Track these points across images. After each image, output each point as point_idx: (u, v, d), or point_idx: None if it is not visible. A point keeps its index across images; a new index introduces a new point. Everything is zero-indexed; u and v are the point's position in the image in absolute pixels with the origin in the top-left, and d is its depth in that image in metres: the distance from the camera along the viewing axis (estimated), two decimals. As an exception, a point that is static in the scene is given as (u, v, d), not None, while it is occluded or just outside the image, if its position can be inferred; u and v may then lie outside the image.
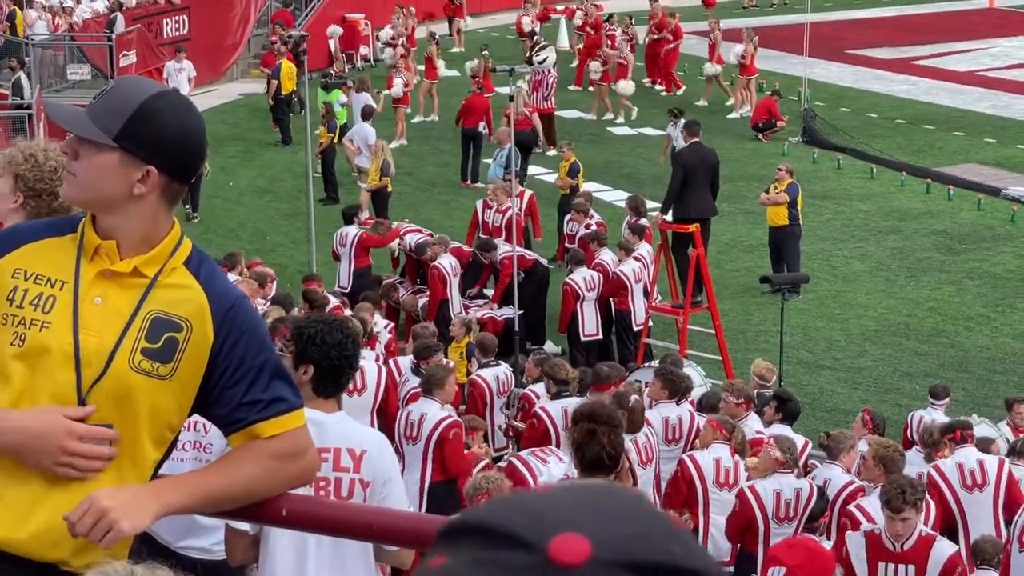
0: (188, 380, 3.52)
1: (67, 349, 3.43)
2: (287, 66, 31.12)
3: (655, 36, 35.86)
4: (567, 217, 21.71)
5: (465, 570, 1.52)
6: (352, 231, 20.45)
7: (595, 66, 33.77)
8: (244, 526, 5.77)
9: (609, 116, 33.35)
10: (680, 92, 35.04)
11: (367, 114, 26.83)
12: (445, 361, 14.11)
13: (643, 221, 20.29)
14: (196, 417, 3.69)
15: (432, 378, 12.74)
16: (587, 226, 20.66)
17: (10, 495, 3.43)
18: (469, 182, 27.77)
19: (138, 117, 3.46)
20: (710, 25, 34.80)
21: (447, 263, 19.37)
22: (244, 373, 3.53)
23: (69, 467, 3.37)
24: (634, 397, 12.11)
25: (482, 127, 28.17)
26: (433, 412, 12.53)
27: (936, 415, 15.00)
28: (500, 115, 27.72)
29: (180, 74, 30.48)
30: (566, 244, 21.16)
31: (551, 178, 25.59)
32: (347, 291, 19.45)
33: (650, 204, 21.97)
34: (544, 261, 20.36)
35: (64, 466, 3.36)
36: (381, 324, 17.03)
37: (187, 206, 24.58)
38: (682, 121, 23.45)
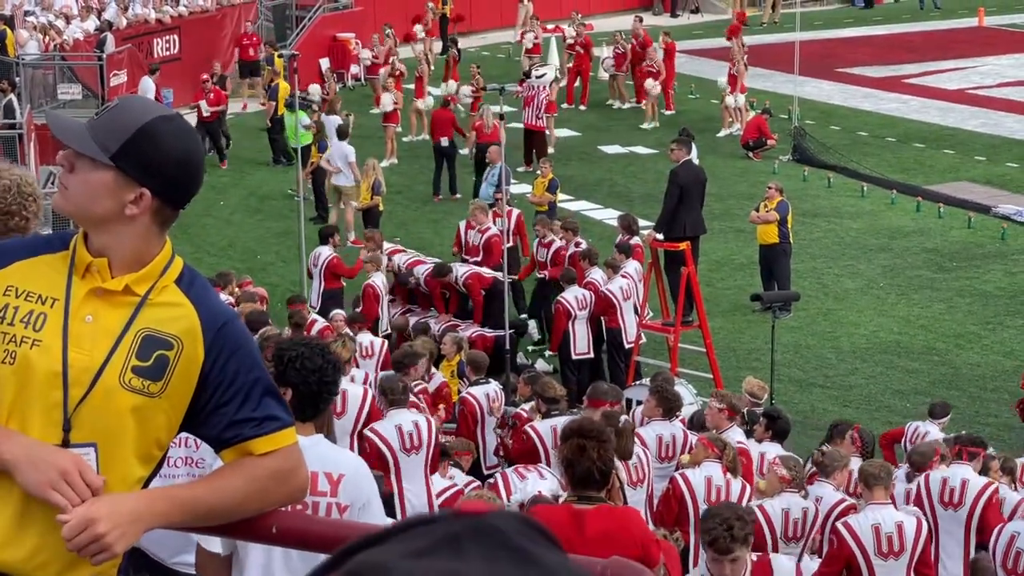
0: (178, 398, 3.51)
1: (56, 367, 3.42)
2: (284, 87, 31.11)
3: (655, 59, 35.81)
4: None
5: None
6: (324, 252, 20.51)
7: (650, 83, 33.74)
8: (216, 548, 5.76)
9: (653, 125, 33.49)
10: (669, 113, 35.09)
11: (343, 133, 26.83)
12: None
13: (634, 240, 20.31)
14: (187, 434, 3.68)
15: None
16: (576, 244, 20.66)
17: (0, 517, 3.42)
18: (455, 195, 27.94)
19: (138, 138, 3.43)
20: (732, 54, 34.38)
21: (380, 281, 19.61)
22: (236, 391, 3.52)
23: (49, 491, 3.33)
24: (624, 418, 12.09)
25: (445, 141, 28.28)
26: (423, 420, 12.65)
27: (931, 429, 15.03)
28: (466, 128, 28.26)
29: (152, 92, 30.45)
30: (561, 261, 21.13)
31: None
32: (316, 311, 19.19)
33: (642, 223, 21.97)
34: (501, 277, 20.19)
35: (50, 488, 3.33)
36: (377, 344, 17.13)
37: None
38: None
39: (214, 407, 3.53)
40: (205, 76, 31.56)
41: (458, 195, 27.90)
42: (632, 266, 19.40)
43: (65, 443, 3.41)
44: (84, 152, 3.45)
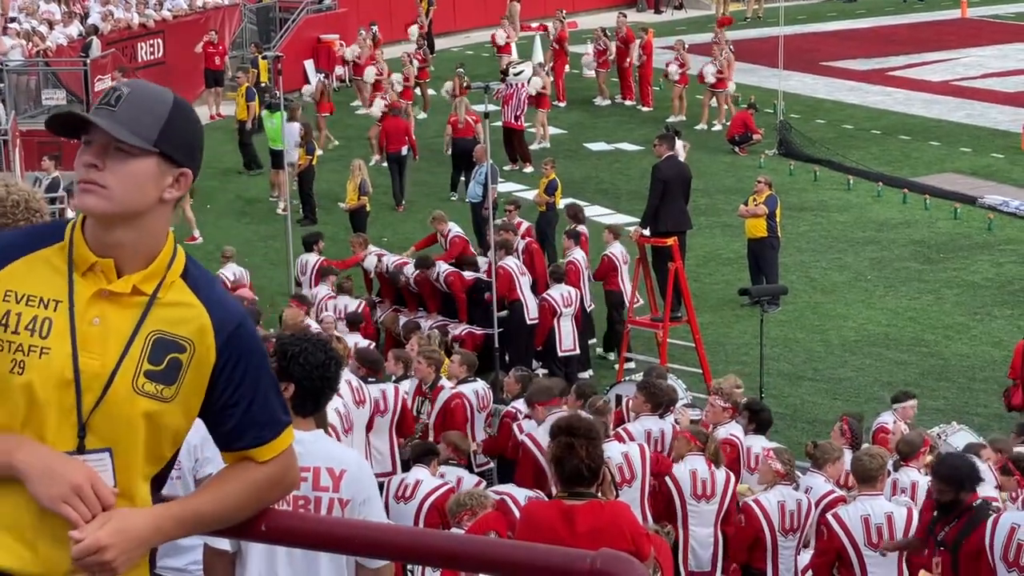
0: (191, 400, 3.46)
1: (68, 375, 3.33)
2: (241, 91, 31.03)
3: (640, 56, 35.73)
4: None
5: None
6: (312, 259, 20.62)
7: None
8: (224, 546, 5.76)
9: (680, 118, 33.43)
10: (649, 109, 35.12)
11: None
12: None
13: (579, 227, 20.68)
14: None
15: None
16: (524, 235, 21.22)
17: (8, 527, 3.37)
18: (400, 207, 27.73)
19: (173, 120, 3.41)
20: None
21: (229, 273, 20.48)
22: (244, 392, 3.49)
23: (62, 505, 3.29)
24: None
25: (405, 150, 28.01)
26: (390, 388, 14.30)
27: (886, 417, 14.94)
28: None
29: None
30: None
31: (528, 195, 25.60)
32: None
33: (629, 219, 22.01)
34: (485, 277, 20.11)
35: (63, 503, 3.29)
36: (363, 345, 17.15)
37: None
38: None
39: (222, 407, 3.50)
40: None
41: (403, 204, 27.68)
42: (579, 253, 19.97)
43: (80, 448, 3.35)
44: (134, 143, 3.35)
